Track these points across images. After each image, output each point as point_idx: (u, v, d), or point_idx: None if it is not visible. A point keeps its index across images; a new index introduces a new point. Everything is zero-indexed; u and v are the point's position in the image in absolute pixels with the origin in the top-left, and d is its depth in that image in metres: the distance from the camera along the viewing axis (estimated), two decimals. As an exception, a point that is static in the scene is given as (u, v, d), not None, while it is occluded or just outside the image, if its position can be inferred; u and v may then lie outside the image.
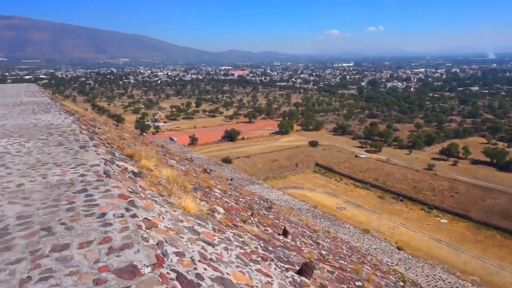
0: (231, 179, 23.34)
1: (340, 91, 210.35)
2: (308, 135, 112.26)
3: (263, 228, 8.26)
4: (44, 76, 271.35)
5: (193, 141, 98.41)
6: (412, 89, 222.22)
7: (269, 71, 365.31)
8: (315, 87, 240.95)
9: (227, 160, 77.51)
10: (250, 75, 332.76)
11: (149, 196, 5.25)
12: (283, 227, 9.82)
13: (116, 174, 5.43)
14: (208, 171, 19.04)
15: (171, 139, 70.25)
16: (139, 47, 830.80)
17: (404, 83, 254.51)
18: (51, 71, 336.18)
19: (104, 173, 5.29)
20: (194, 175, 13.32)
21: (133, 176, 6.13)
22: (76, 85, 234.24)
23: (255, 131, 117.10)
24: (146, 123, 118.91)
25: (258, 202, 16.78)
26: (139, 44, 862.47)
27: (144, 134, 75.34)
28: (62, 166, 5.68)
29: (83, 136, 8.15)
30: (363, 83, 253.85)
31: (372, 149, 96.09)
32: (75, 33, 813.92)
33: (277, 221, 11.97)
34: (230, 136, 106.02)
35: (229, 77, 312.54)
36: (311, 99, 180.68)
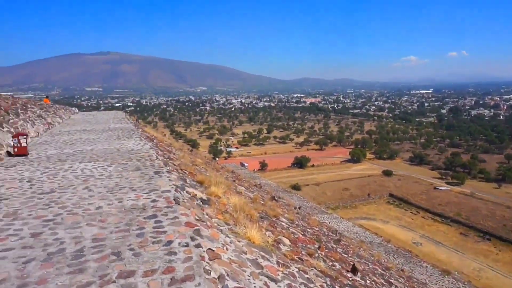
0: (299, 208, 22.93)
1: (417, 119, 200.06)
2: (382, 164, 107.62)
3: (331, 264, 7.88)
4: (131, 104, 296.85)
5: (263, 167, 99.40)
6: (501, 117, 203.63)
7: (341, 98, 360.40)
8: (390, 115, 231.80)
9: (296, 187, 76.83)
10: (322, 102, 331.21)
11: (215, 224, 5.30)
12: (352, 263, 9.30)
13: (185, 201, 5.59)
14: (276, 198, 18.93)
15: (242, 165, 71.52)
16: (216, 76, 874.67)
17: (492, 110, 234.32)
18: (137, 99, 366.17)
19: (174, 199, 5.48)
20: (262, 202, 13.28)
21: (201, 203, 6.28)
22: (158, 111, 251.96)
23: (326, 159, 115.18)
24: (219, 148, 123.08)
25: (326, 233, 16.20)
26: (216, 73, 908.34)
27: (217, 159, 78.15)
28: (137, 191, 6.01)
29: (158, 162, 8.60)
30: (443, 111, 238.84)
31: (454, 181, 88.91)
32: (160, 65, 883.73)
33: (346, 256, 11.39)
34: (300, 163, 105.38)
35: (301, 104, 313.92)
36: (386, 126, 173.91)
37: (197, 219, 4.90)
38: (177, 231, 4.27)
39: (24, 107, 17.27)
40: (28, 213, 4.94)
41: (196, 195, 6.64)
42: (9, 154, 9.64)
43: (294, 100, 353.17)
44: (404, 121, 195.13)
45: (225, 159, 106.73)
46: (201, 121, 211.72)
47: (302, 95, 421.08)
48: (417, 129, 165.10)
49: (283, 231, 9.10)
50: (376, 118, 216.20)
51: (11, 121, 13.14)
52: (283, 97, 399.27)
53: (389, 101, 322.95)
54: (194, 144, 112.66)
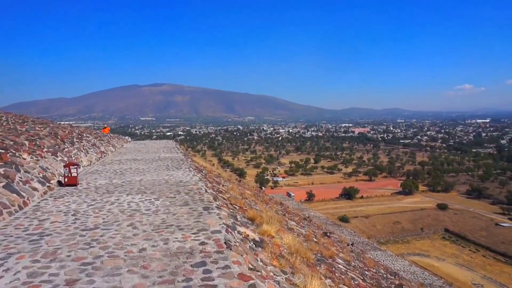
0: (351, 244, 21.54)
1: (474, 150, 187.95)
2: (436, 197, 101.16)
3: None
4: (181, 133, 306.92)
5: (310, 197, 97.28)
6: None
7: (391, 128, 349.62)
8: (444, 145, 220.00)
9: (344, 219, 73.97)
10: (371, 132, 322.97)
11: (271, 274, 4.58)
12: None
13: (237, 244, 4.93)
14: (328, 234, 17.80)
15: (289, 195, 70.39)
16: (264, 106, 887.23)
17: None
18: (187, 128, 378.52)
19: (225, 242, 4.85)
20: (315, 240, 12.35)
21: (254, 245, 5.61)
22: (206, 140, 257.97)
23: (375, 190, 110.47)
24: (265, 177, 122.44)
25: (385, 276, 14.81)
26: (264, 103, 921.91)
27: (263, 188, 77.51)
28: (184, 230, 5.46)
29: (208, 195, 8.09)
30: (503, 141, 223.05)
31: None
32: (210, 95, 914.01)
33: (413, 307, 10.08)
34: (349, 194, 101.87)
35: (349, 134, 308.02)
36: (440, 157, 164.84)
37: (251, 268, 4.22)
38: (230, 286, 3.60)
39: (79, 136, 17.78)
40: (67, 254, 4.51)
41: (248, 235, 5.98)
42: (60, 183, 9.60)
43: (342, 130, 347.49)
44: (459, 152, 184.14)
45: (272, 188, 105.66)
46: (248, 150, 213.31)
47: (351, 124, 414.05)
48: (474, 161, 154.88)
49: (342, 276, 8.17)
50: (428, 148, 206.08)
51: (65, 149, 13.39)
52: (331, 126, 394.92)
53: (443, 131, 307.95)
54: (241, 173, 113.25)
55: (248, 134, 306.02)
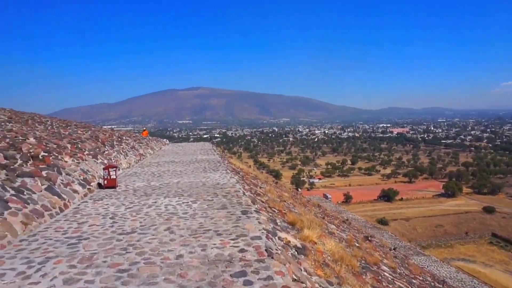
0: (394, 249, 20.65)
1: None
2: (482, 200, 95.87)
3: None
4: (217, 135, 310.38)
5: (347, 199, 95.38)
6: None
7: (432, 128, 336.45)
8: (490, 145, 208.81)
9: (383, 222, 71.84)
10: (411, 132, 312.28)
11: (316, 285, 4.23)
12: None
13: (279, 252, 4.61)
14: (369, 238, 17.08)
15: (325, 196, 69.21)
16: (299, 107, 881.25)
17: None
18: (223, 130, 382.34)
19: (265, 250, 4.54)
20: (357, 245, 11.81)
21: (296, 253, 5.27)
22: (242, 142, 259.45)
23: (416, 192, 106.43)
24: (301, 179, 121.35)
25: (432, 284, 14.01)
26: (300, 104, 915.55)
27: (299, 190, 76.68)
28: (223, 235, 5.20)
29: (246, 198, 7.82)
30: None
31: None
32: (245, 98, 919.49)
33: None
34: (387, 196, 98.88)
35: (387, 135, 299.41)
36: (485, 158, 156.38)
37: (295, 280, 3.90)
38: (273, 300, 3.29)
39: (119, 139, 18.13)
40: (103, 259, 4.37)
41: (289, 241, 5.65)
42: (99, 185, 9.68)
43: (380, 130, 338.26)
44: (507, 152, 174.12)
45: (308, 190, 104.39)
46: (284, 151, 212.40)
47: (389, 125, 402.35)
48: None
49: (390, 286, 7.66)
50: (473, 148, 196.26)
51: (105, 152, 13.61)
52: (368, 127, 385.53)
53: (488, 130, 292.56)
54: (277, 175, 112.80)
55: (284, 136, 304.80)
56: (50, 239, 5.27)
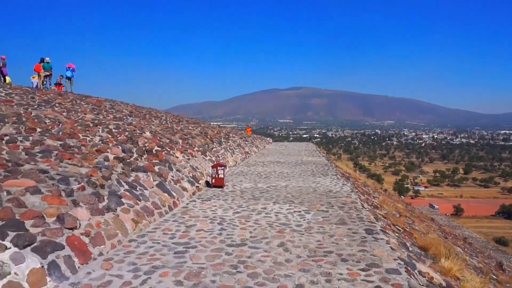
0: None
1: None
2: None
3: None
4: (317, 135, 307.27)
5: (457, 211, 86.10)
6: None
7: None
8: None
9: (502, 242, 62.90)
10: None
11: None
12: None
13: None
14: (503, 267, 14.43)
15: (432, 206, 63.48)
16: (405, 109, 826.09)
17: None
18: (323, 131, 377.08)
19: (410, 292, 3.48)
20: (494, 277, 9.80)
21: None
22: (342, 144, 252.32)
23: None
24: (405, 185, 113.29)
25: None
26: (406, 107, 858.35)
27: (402, 197, 71.15)
28: (349, 262, 4.25)
29: (366, 212, 6.75)
30: None
31: None
32: (348, 98, 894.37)
33: None
34: (508, 213, 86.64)
35: (510, 143, 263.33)
36: None
37: None
38: None
39: (226, 136, 18.27)
40: (212, 278, 3.79)
41: (432, 278, 4.45)
42: (207, 184, 9.48)
43: (501, 138, 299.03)
44: None
45: (412, 198, 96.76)
46: (386, 155, 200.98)
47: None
48: None
49: None
50: None
51: (213, 149, 13.61)
52: (486, 133, 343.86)
53: None
54: (378, 179, 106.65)
55: (387, 139, 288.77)
56: (158, 242, 4.93)
